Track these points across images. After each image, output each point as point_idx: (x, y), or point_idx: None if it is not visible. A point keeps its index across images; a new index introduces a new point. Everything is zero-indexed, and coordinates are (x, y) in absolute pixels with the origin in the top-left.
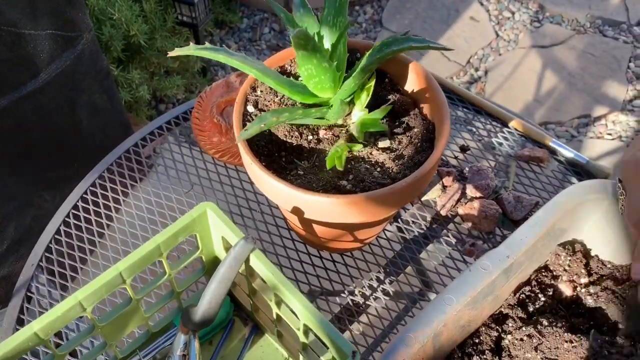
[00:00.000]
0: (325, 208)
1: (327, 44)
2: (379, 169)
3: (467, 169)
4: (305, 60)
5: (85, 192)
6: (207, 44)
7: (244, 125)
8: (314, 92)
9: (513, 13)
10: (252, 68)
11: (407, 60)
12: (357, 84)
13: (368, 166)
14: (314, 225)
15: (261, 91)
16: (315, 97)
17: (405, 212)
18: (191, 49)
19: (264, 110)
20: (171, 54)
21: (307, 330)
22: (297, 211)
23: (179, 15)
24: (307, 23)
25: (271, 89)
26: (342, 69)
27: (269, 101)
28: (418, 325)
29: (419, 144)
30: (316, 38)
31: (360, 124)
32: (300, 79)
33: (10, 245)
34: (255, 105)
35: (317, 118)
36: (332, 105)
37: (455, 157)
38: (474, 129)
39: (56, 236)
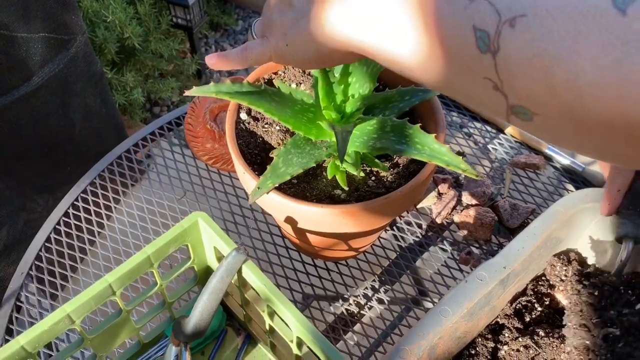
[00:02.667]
0: (319, 218)
1: (354, 86)
2: (373, 178)
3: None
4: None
5: (77, 199)
6: (228, 82)
7: (237, 133)
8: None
9: None
10: (269, 109)
11: None
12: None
13: (363, 175)
14: (308, 234)
15: None
16: (328, 133)
17: (401, 219)
18: (212, 89)
19: (257, 119)
20: (188, 93)
21: (300, 343)
22: (290, 221)
23: (173, 18)
24: None
25: None
26: (361, 112)
27: None
28: (414, 337)
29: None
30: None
31: (358, 157)
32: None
33: (2, 250)
34: (249, 113)
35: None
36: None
37: None
38: (469, 135)
39: (46, 244)
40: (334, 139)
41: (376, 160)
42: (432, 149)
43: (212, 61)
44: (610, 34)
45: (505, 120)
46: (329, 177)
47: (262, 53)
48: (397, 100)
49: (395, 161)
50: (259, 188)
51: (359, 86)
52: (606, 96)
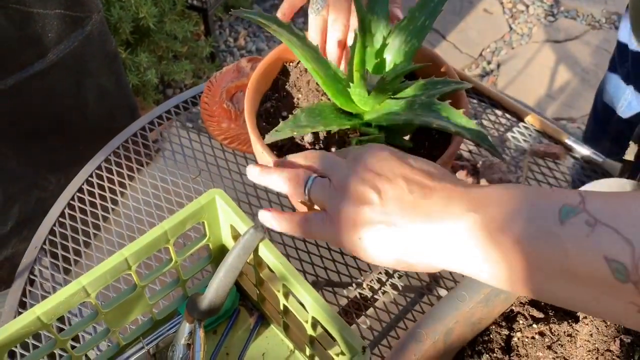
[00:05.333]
0: None
1: (388, 57)
2: None
3: (480, 163)
4: (362, 88)
5: (91, 175)
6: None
7: (258, 112)
8: (354, 101)
9: (527, 6)
10: (305, 56)
11: (435, 58)
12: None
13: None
14: None
15: None
16: (354, 105)
17: None
18: (259, 17)
19: (280, 104)
20: (234, 12)
21: (315, 323)
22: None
23: None
24: (378, 22)
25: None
26: (392, 90)
27: None
28: (430, 321)
29: (436, 136)
30: (380, 40)
31: (384, 133)
32: None
33: (14, 227)
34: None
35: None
36: (366, 122)
37: (469, 151)
38: (488, 122)
39: (60, 219)
40: (358, 111)
41: (401, 137)
42: (459, 122)
43: (254, 174)
44: None
45: None
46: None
47: (322, 234)
48: (429, 88)
49: (417, 146)
50: (277, 131)
51: (392, 60)
52: None
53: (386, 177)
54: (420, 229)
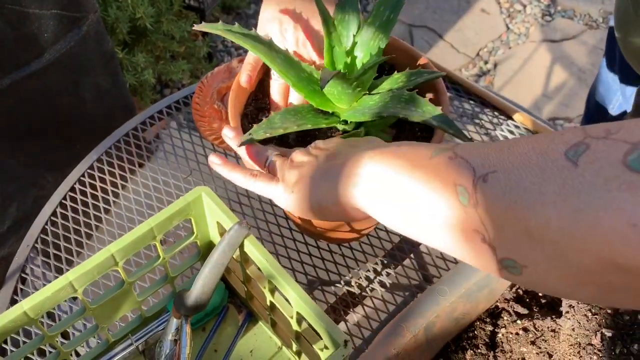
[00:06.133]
0: None
1: (359, 54)
2: None
3: None
4: (332, 86)
5: (83, 175)
6: (237, 25)
7: (244, 112)
8: (331, 100)
9: (524, 6)
10: (273, 61)
11: (412, 52)
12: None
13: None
14: None
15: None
16: (331, 104)
17: None
18: (219, 27)
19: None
20: (197, 27)
21: (300, 319)
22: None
23: None
24: (349, 21)
25: None
26: (366, 87)
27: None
28: (410, 315)
29: (418, 133)
30: (351, 39)
31: (363, 129)
32: None
33: (11, 226)
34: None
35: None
36: (343, 120)
37: None
38: (480, 122)
39: (52, 218)
40: (336, 109)
41: (379, 132)
42: (426, 110)
43: (217, 162)
44: (565, 185)
45: (497, 276)
46: None
47: (266, 191)
48: (404, 80)
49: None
50: (250, 134)
51: (363, 56)
52: (579, 245)
53: (320, 151)
54: (329, 167)
